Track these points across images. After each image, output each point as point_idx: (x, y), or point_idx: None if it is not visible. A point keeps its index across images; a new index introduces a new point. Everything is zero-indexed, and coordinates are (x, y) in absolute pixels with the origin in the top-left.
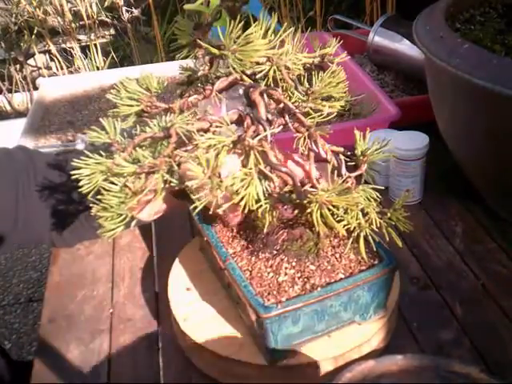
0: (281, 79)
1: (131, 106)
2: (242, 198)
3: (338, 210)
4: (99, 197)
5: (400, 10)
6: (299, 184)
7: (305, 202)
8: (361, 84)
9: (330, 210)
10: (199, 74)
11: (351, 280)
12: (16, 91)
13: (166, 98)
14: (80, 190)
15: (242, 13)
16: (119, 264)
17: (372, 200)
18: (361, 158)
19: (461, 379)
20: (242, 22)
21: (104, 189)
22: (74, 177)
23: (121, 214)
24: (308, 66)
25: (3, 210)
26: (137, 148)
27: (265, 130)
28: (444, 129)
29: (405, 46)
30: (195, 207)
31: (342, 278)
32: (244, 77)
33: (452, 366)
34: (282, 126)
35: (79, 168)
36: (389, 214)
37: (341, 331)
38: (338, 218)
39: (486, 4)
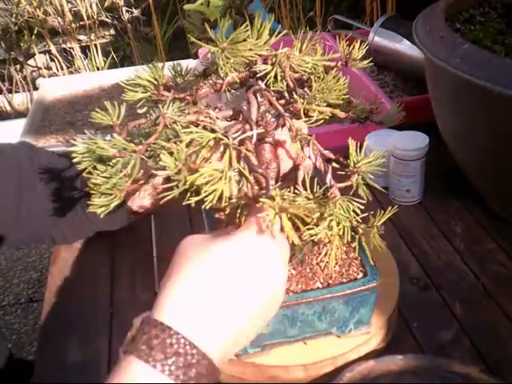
0: (281, 80)
1: (136, 92)
2: (210, 194)
3: (298, 218)
4: (87, 175)
5: (400, 10)
6: (271, 187)
7: (258, 206)
8: (361, 84)
9: (292, 218)
10: (212, 68)
11: (325, 291)
12: (16, 91)
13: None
14: (77, 167)
15: (249, 13)
16: (119, 264)
17: (352, 213)
18: (352, 168)
19: (460, 379)
20: (231, 21)
21: (95, 168)
22: (73, 154)
23: (109, 194)
24: (322, 68)
25: (7, 200)
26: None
27: (251, 130)
28: (444, 129)
29: (405, 46)
30: (164, 197)
31: (318, 288)
32: (233, 75)
33: (452, 366)
34: (280, 128)
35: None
36: (360, 231)
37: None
38: (308, 227)
39: (486, 4)
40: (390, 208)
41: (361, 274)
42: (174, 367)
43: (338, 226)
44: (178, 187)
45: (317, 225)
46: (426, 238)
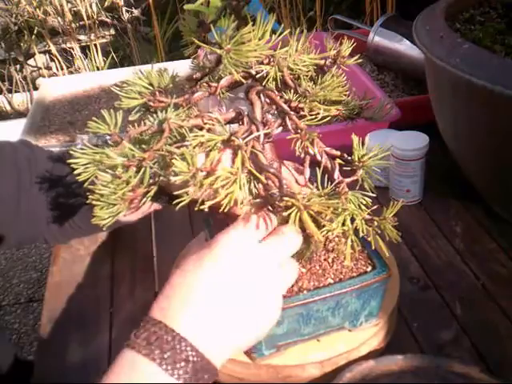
0: (280, 80)
1: (133, 98)
2: (225, 197)
3: (318, 215)
4: (91, 187)
5: (400, 10)
6: (285, 186)
7: (281, 204)
8: (361, 84)
9: (311, 215)
10: (206, 70)
11: (339, 286)
12: (16, 91)
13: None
14: (77, 178)
15: (249, 14)
16: (119, 264)
17: (362, 206)
18: (357, 163)
19: (460, 379)
20: (236, 22)
21: (97, 178)
22: (72, 165)
23: (114, 204)
24: (317, 67)
25: (6, 201)
26: (130, 141)
27: (258, 131)
28: (444, 129)
29: (405, 46)
30: (178, 203)
31: (330, 283)
32: (239, 77)
33: (452, 366)
34: (281, 127)
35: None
36: (375, 223)
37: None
38: (323, 223)
39: (486, 4)
40: (401, 200)
41: (369, 267)
42: (179, 367)
43: (352, 220)
44: (187, 194)
45: (330, 221)
46: (425, 238)
